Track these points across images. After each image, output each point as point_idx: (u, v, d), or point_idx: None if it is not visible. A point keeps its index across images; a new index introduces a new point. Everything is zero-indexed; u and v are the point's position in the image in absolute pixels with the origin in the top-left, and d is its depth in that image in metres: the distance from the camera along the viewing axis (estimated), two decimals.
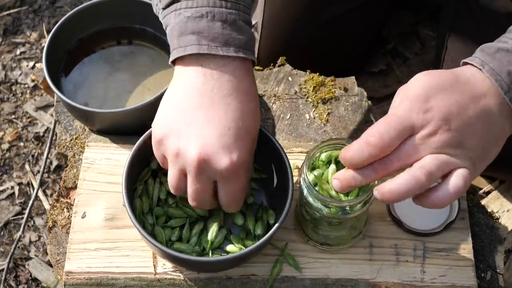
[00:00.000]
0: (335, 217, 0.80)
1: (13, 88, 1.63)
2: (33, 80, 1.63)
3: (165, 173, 0.91)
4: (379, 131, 0.70)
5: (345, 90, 1.04)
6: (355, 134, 1.01)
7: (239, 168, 0.75)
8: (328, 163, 0.82)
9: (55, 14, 1.73)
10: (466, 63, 0.76)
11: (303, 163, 0.81)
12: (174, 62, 0.77)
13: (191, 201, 0.78)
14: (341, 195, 0.80)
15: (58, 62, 1.00)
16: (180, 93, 0.75)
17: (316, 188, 0.80)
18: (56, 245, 0.92)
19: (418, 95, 0.72)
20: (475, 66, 0.74)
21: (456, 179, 0.70)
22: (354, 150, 0.71)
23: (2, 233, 1.44)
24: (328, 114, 1.02)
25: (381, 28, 1.49)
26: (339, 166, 0.82)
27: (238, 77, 0.75)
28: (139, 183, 0.88)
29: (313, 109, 1.02)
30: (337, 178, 0.74)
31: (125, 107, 0.96)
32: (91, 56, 1.03)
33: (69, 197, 0.95)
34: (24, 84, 1.63)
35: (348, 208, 0.79)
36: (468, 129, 0.71)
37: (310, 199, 0.80)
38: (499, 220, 1.20)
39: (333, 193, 0.80)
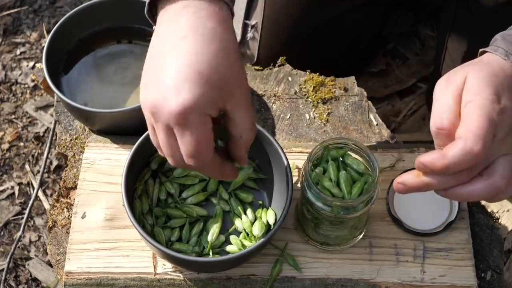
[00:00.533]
0: (337, 216, 0.80)
1: (13, 88, 1.63)
2: (33, 80, 1.63)
3: (164, 173, 0.91)
4: (481, 138, 0.65)
5: (345, 90, 1.04)
6: (355, 134, 1.01)
7: (189, 112, 0.68)
8: (327, 161, 0.82)
9: (55, 14, 1.73)
10: (484, 52, 0.73)
11: (304, 162, 0.81)
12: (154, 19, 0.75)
13: (168, 160, 0.73)
14: (345, 194, 0.80)
15: (58, 62, 1.00)
16: (150, 48, 0.74)
17: (318, 187, 0.80)
18: (56, 245, 0.93)
19: (490, 94, 0.67)
20: (496, 54, 0.71)
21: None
22: (453, 157, 0.65)
23: (2, 233, 1.44)
24: (328, 114, 1.02)
25: (381, 28, 1.50)
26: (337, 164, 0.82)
27: (199, 19, 0.70)
28: (139, 184, 0.88)
29: (313, 109, 1.02)
30: (403, 183, 0.70)
31: (125, 107, 0.96)
32: (91, 55, 1.03)
33: (69, 197, 0.95)
34: (24, 84, 1.63)
35: (350, 208, 0.79)
36: None
37: (312, 198, 0.80)
38: (499, 220, 1.20)
39: (335, 192, 0.80)
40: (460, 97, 0.69)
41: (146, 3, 0.74)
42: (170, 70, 0.69)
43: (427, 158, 0.66)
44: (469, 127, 0.65)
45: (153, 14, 0.75)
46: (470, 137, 0.65)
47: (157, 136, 0.72)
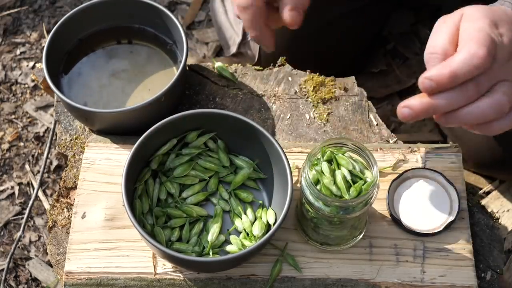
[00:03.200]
0: (336, 216, 0.80)
1: (13, 88, 1.63)
2: (33, 80, 1.63)
3: (165, 173, 0.91)
4: (484, 44, 0.64)
5: (345, 90, 1.04)
6: (355, 134, 1.01)
7: None
8: (327, 161, 0.82)
9: (55, 14, 1.73)
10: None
11: (304, 162, 0.81)
12: None
13: None
14: (344, 195, 0.80)
15: (58, 62, 1.00)
16: None
17: (318, 187, 0.80)
18: (56, 245, 0.93)
19: (487, 21, 0.66)
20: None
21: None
22: (460, 63, 0.64)
23: (2, 233, 1.44)
24: (328, 114, 1.02)
25: (381, 28, 1.50)
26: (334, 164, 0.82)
27: None
28: (139, 183, 0.88)
29: (313, 109, 1.02)
30: (409, 106, 0.66)
31: (125, 107, 0.96)
32: (90, 55, 1.03)
33: (69, 197, 0.95)
34: (24, 84, 1.63)
35: (349, 208, 0.79)
36: None
37: (312, 198, 0.80)
38: (499, 220, 1.20)
39: (334, 190, 0.80)
40: (457, 29, 0.68)
41: None
42: None
43: (433, 71, 0.64)
44: (470, 38, 0.64)
45: None
46: (472, 44, 0.63)
47: None
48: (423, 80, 0.65)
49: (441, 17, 0.71)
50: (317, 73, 1.05)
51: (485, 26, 0.66)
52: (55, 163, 1.51)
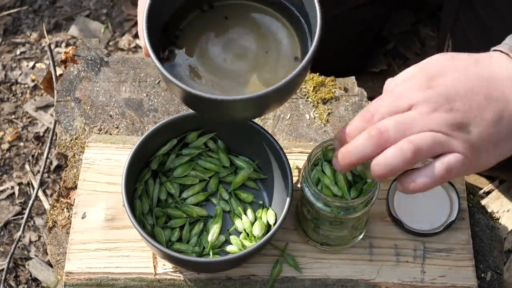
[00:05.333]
0: (337, 217, 0.80)
1: (13, 88, 1.63)
2: (33, 80, 1.63)
3: (165, 173, 0.91)
4: (373, 107, 0.68)
5: (345, 90, 1.04)
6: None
7: None
8: (327, 162, 0.82)
9: (55, 14, 1.73)
10: (494, 51, 0.73)
11: (305, 162, 0.81)
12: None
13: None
14: (345, 195, 0.80)
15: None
16: None
17: (319, 188, 0.80)
18: (56, 245, 0.93)
19: (426, 72, 0.68)
20: (504, 52, 0.71)
21: (440, 165, 0.66)
22: (350, 123, 0.70)
23: (2, 233, 1.44)
24: (328, 114, 1.02)
25: (381, 28, 1.50)
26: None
27: None
28: (139, 184, 0.88)
29: (313, 109, 1.02)
30: (335, 156, 0.70)
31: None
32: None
33: (69, 197, 0.95)
34: (24, 84, 1.63)
35: (350, 208, 0.79)
36: (476, 113, 0.67)
37: (312, 199, 0.80)
38: (499, 220, 1.20)
39: (335, 191, 0.80)
40: None
41: None
42: None
43: (337, 133, 0.71)
44: (374, 101, 0.70)
45: None
46: (366, 108, 0.69)
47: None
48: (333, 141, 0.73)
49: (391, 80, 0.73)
50: (317, 73, 1.05)
51: (407, 85, 0.69)
52: (55, 163, 1.51)
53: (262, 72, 0.78)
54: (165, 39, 0.79)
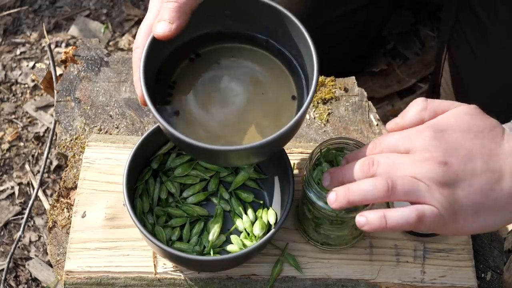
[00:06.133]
0: (338, 216, 0.80)
1: (13, 88, 1.63)
2: (33, 80, 1.63)
3: (165, 172, 0.91)
4: (379, 140, 0.72)
5: (345, 90, 1.04)
6: (355, 134, 1.01)
7: None
8: (328, 162, 0.82)
9: (55, 14, 1.73)
10: None
11: (306, 162, 0.81)
12: None
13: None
14: None
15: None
16: None
17: (319, 186, 0.80)
18: (56, 245, 0.93)
19: (439, 125, 0.69)
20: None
21: (413, 210, 0.67)
22: (362, 148, 0.74)
23: (2, 233, 1.44)
24: (328, 114, 1.02)
25: (381, 28, 1.50)
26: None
27: None
28: (140, 183, 0.88)
29: (313, 109, 1.03)
30: (326, 173, 0.75)
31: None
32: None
33: (69, 197, 0.95)
34: (24, 84, 1.63)
35: (351, 207, 0.79)
36: (467, 176, 0.67)
37: (314, 198, 0.80)
38: None
39: None
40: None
41: None
42: None
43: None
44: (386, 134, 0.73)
45: None
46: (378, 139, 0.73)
47: None
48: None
49: (421, 100, 0.73)
50: None
51: (416, 131, 0.70)
52: (55, 163, 1.51)
53: (260, 115, 0.78)
54: (159, 89, 0.79)
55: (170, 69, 0.80)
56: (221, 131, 0.77)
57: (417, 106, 0.72)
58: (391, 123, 0.74)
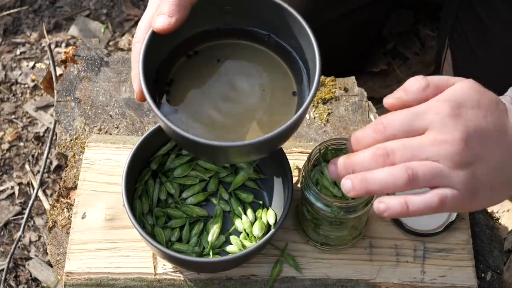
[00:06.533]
0: (337, 217, 0.80)
1: (13, 88, 1.63)
2: (33, 80, 1.63)
3: (165, 173, 0.91)
4: (387, 120, 0.68)
5: (345, 90, 1.04)
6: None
7: None
8: (327, 162, 0.82)
9: (55, 14, 1.73)
10: None
11: (304, 162, 0.81)
12: None
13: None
14: (345, 195, 0.80)
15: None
16: None
17: (318, 188, 0.80)
18: (56, 245, 0.93)
19: (453, 98, 0.68)
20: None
21: (435, 195, 0.66)
22: (363, 130, 0.70)
23: (2, 233, 1.44)
24: (328, 114, 1.02)
25: (381, 28, 1.50)
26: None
27: None
28: (139, 184, 0.88)
29: (313, 109, 1.02)
30: (332, 163, 0.70)
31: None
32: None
33: (69, 197, 0.95)
34: (24, 84, 1.63)
35: (350, 208, 0.79)
36: (485, 155, 0.67)
37: (312, 199, 0.80)
38: (499, 220, 1.20)
39: (335, 191, 0.80)
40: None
41: None
42: None
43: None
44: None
45: None
46: (385, 115, 0.69)
47: None
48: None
49: (420, 78, 0.72)
50: None
51: (433, 104, 0.68)
52: (55, 163, 1.51)
53: (260, 111, 0.77)
54: (157, 87, 0.78)
55: (168, 67, 0.80)
56: (220, 128, 0.76)
57: (418, 84, 0.70)
58: (391, 98, 0.71)
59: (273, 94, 0.78)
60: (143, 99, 0.72)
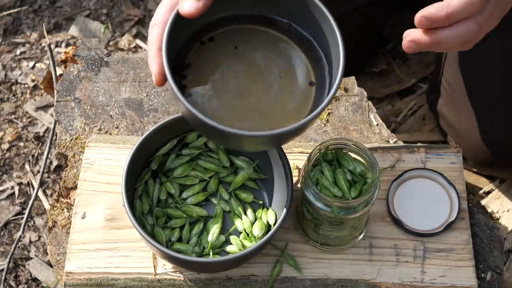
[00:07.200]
0: (337, 217, 0.80)
1: (13, 88, 1.63)
2: (33, 80, 1.63)
3: (165, 173, 0.91)
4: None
5: (345, 90, 1.04)
6: (355, 134, 1.01)
7: None
8: (327, 162, 0.82)
9: (55, 14, 1.73)
10: None
11: (304, 162, 0.81)
12: None
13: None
14: (345, 195, 0.80)
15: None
16: None
17: (318, 188, 0.80)
18: (56, 245, 0.93)
19: None
20: None
21: (470, 23, 0.72)
22: (455, 7, 0.72)
23: (2, 233, 1.44)
24: (328, 114, 1.02)
25: (381, 28, 1.49)
26: (333, 166, 0.82)
27: None
28: (139, 184, 0.88)
29: None
30: (414, 41, 0.77)
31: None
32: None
33: (69, 197, 0.95)
34: (24, 84, 1.63)
35: (350, 208, 0.79)
36: None
37: (312, 199, 0.80)
38: (499, 220, 1.20)
39: (335, 191, 0.80)
40: None
41: None
42: None
43: (431, 10, 0.72)
44: None
45: None
46: None
47: None
48: (420, 18, 0.74)
49: None
50: None
51: None
52: (55, 163, 1.51)
53: (276, 99, 0.76)
54: (176, 72, 0.77)
55: (185, 51, 0.78)
56: (235, 115, 0.75)
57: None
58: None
59: (289, 82, 0.77)
60: (162, 82, 0.70)
